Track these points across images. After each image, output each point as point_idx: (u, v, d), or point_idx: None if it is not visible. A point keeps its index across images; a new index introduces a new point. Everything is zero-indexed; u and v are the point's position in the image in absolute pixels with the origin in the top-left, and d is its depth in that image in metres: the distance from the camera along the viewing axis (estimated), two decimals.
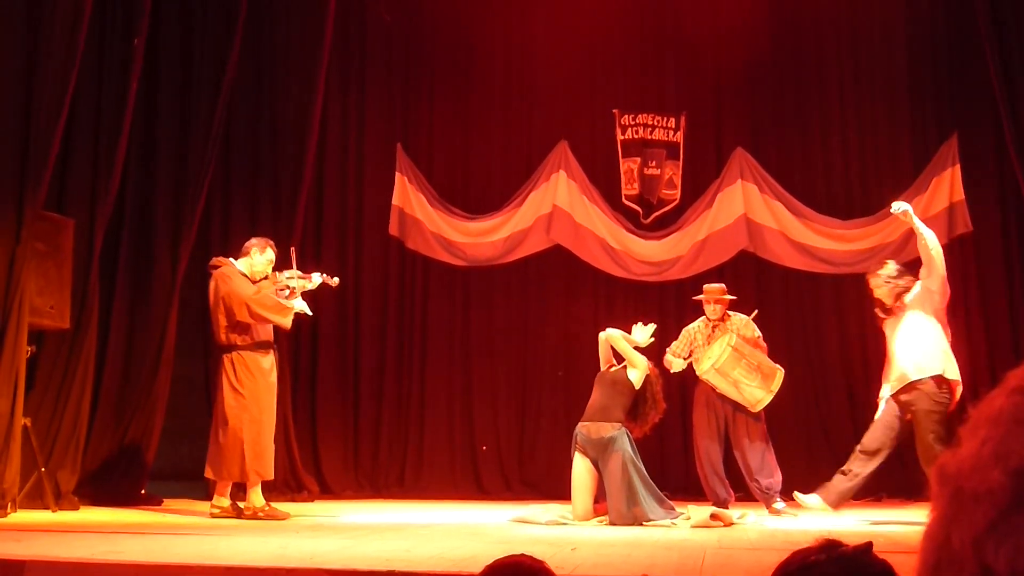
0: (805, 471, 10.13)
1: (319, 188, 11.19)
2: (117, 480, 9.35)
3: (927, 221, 10.55)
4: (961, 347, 10.54)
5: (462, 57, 11.70)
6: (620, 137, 11.49)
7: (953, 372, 7.94)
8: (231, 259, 8.45)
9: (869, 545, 1.56)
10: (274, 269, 8.47)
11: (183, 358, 10.03)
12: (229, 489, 8.19)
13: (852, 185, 11.40)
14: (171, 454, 10.21)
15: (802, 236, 11.11)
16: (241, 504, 8.22)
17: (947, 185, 10.85)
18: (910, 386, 7.90)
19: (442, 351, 11.44)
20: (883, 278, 8.20)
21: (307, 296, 8.52)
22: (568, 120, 11.56)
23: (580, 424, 8.15)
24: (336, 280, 8.63)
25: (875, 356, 10.60)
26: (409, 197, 11.36)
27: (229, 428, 8.06)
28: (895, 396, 8.01)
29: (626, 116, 11.48)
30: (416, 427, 11.26)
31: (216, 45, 10.01)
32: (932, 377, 7.86)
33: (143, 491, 9.43)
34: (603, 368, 8.38)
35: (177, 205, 9.92)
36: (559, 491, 8.88)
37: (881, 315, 8.26)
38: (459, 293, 11.56)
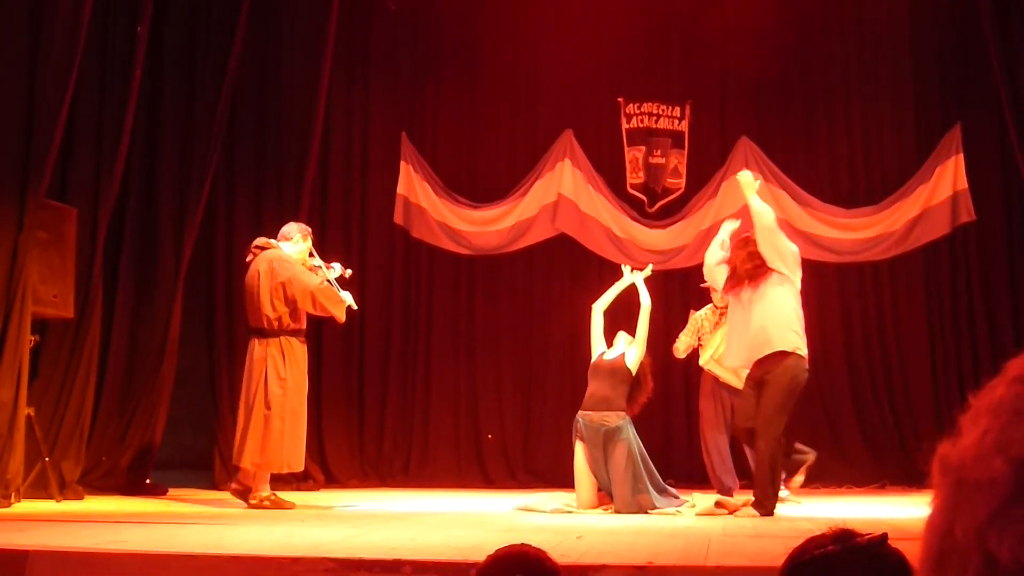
0: None
1: (324, 177, 11.13)
2: (122, 469, 9.34)
3: (931, 210, 10.65)
4: (963, 336, 10.72)
5: (467, 45, 11.65)
6: (625, 126, 11.46)
7: (805, 351, 7.66)
8: (272, 240, 8.41)
9: (884, 536, 1.55)
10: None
11: (185, 347, 10.00)
12: (268, 477, 8.15)
13: (856, 174, 11.40)
14: (175, 443, 10.30)
15: (806, 225, 11.07)
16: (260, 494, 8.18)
17: (951, 174, 10.85)
18: (776, 356, 7.53)
19: (447, 340, 11.40)
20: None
21: None
22: (573, 109, 11.52)
23: (581, 413, 8.13)
24: (349, 272, 8.60)
25: (878, 343, 10.93)
26: (414, 186, 11.30)
27: (272, 416, 7.98)
28: (754, 365, 7.68)
29: (631, 105, 11.44)
30: (421, 416, 11.23)
31: (221, 33, 9.94)
32: (795, 351, 7.54)
33: (148, 480, 9.44)
34: (595, 352, 8.32)
35: (181, 194, 9.87)
36: (564, 480, 8.86)
37: (728, 291, 8.04)
38: (464, 281, 11.53)
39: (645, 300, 8.26)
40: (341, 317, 8.29)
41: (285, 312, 8.07)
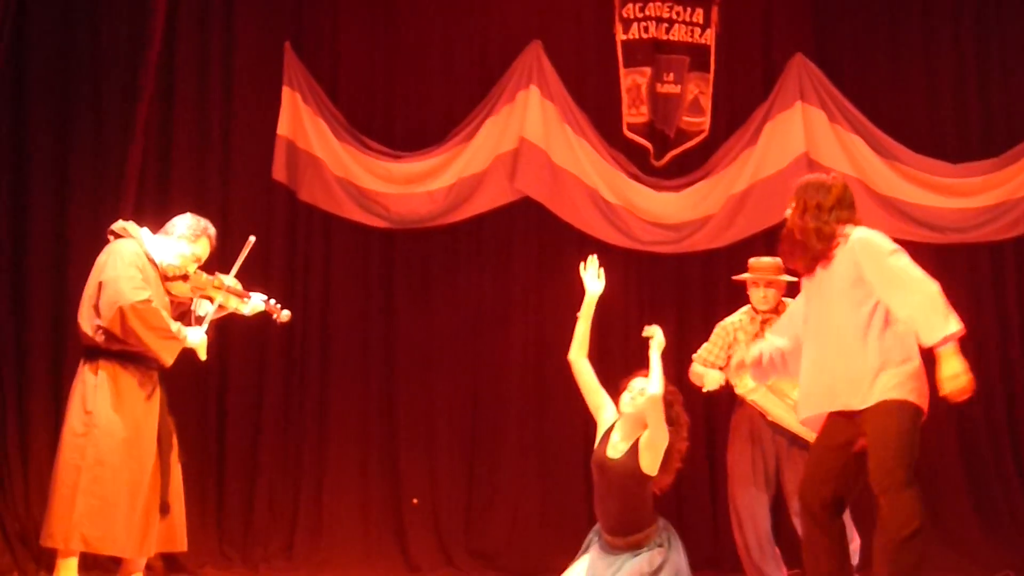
0: None
1: (166, 112, 10.65)
2: None
3: None
4: None
5: None
6: (621, 37, 11.13)
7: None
8: (145, 229, 8.20)
9: None
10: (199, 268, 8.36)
11: None
12: (75, 562, 7.83)
13: (969, 112, 11.17)
14: None
15: (892, 187, 10.87)
16: None
17: None
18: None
19: (352, 360, 10.96)
20: None
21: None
22: (544, 10, 11.24)
23: (601, 533, 7.66)
24: (287, 314, 8.48)
25: (1000, 376, 11.04)
26: (303, 124, 10.85)
27: (62, 465, 7.80)
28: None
29: (631, 5, 11.16)
30: (311, 473, 10.77)
31: None
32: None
33: None
34: (600, 424, 7.79)
35: None
36: (524, 567, 9.26)
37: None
38: (378, 269, 11.10)
39: (653, 385, 7.54)
40: (167, 359, 8.04)
41: (98, 328, 7.93)
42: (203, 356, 8.20)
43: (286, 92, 10.83)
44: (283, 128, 10.80)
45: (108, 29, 10.41)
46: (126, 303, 7.68)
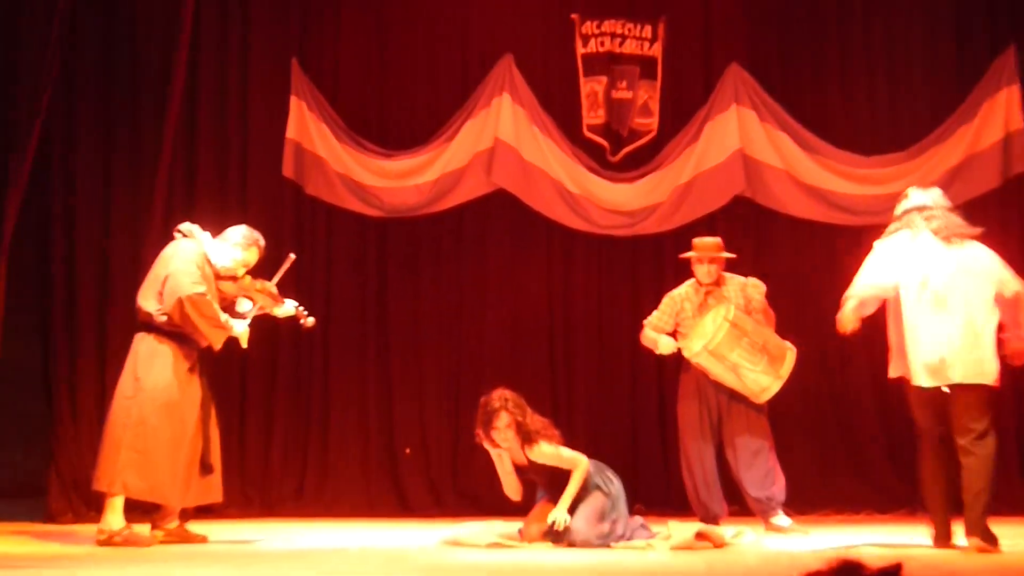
0: (814, 476, 10.58)
1: (191, 119, 10.99)
2: None
3: (976, 157, 10.88)
4: None
5: None
6: (581, 50, 11.39)
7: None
8: (207, 234, 8.54)
9: (898, 567, 1.54)
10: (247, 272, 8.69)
11: (12, 338, 9.91)
12: (120, 503, 8.13)
13: (879, 112, 11.31)
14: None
15: (814, 177, 11.08)
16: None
17: (1002, 110, 10.86)
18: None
19: (352, 328, 11.27)
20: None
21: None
22: (514, 28, 11.43)
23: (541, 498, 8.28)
24: (312, 321, 8.87)
25: None
26: (308, 128, 11.13)
27: (112, 423, 8.14)
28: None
29: (589, 23, 11.39)
30: (319, 425, 11.10)
31: None
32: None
33: None
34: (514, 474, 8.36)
35: (2, 145, 9.86)
36: (503, 505, 8.81)
37: None
38: (373, 252, 11.38)
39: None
40: (216, 343, 8.43)
41: (158, 310, 8.23)
42: (244, 344, 8.56)
43: (293, 101, 11.04)
44: (291, 132, 11.03)
45: (144, 52, 10.68)
46: (184, 295, 8.04)
